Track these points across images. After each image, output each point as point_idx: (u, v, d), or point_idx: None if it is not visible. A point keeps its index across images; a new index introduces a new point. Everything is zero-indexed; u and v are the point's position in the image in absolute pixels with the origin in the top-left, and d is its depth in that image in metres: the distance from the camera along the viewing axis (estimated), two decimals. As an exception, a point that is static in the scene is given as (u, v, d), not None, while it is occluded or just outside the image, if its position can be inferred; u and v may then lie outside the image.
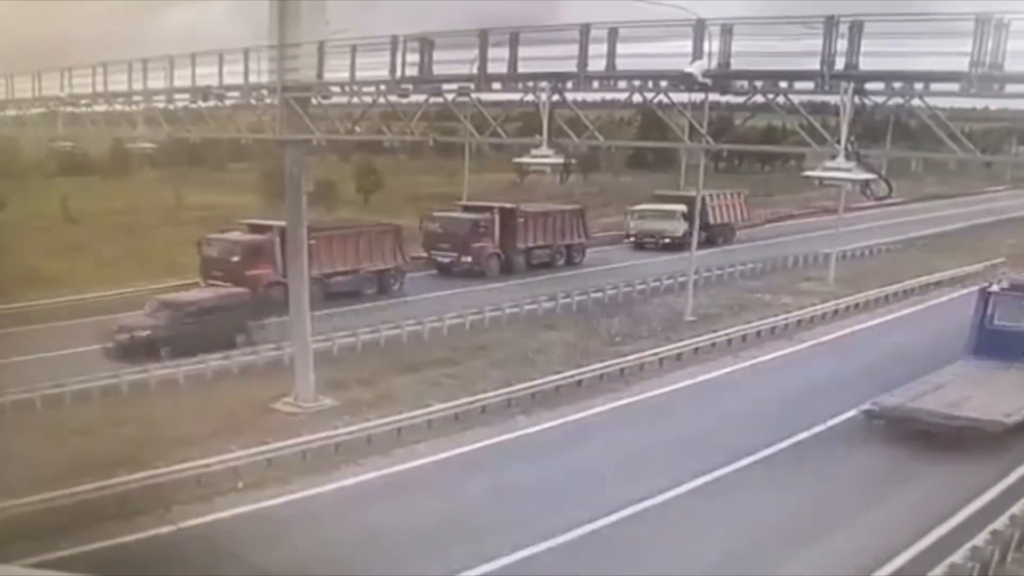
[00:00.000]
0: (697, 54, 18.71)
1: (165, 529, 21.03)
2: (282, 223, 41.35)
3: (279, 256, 40.88)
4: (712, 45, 18.63)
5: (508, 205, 52.69)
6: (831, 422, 27.92)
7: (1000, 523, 20.25)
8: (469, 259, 49.58)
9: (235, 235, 43.17)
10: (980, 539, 19.39)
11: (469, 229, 50.14)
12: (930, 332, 37.70)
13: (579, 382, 31.45)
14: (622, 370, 32.83)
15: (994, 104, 44.43)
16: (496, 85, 22.43)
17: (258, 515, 22.05)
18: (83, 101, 33.94)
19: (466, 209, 52.85)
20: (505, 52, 21.22)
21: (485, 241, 50.44)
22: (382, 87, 24.44)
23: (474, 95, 23.06)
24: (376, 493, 23.67)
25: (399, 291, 45.50)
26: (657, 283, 46.33)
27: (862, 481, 24.31)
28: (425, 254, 50.27)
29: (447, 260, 49.97)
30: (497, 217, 51.25)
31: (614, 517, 21.75)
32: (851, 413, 27.90)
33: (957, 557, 18.63)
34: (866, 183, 19.14)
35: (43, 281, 42.17)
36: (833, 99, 18.44)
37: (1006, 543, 19.49)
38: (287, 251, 40.30)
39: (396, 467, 25.05)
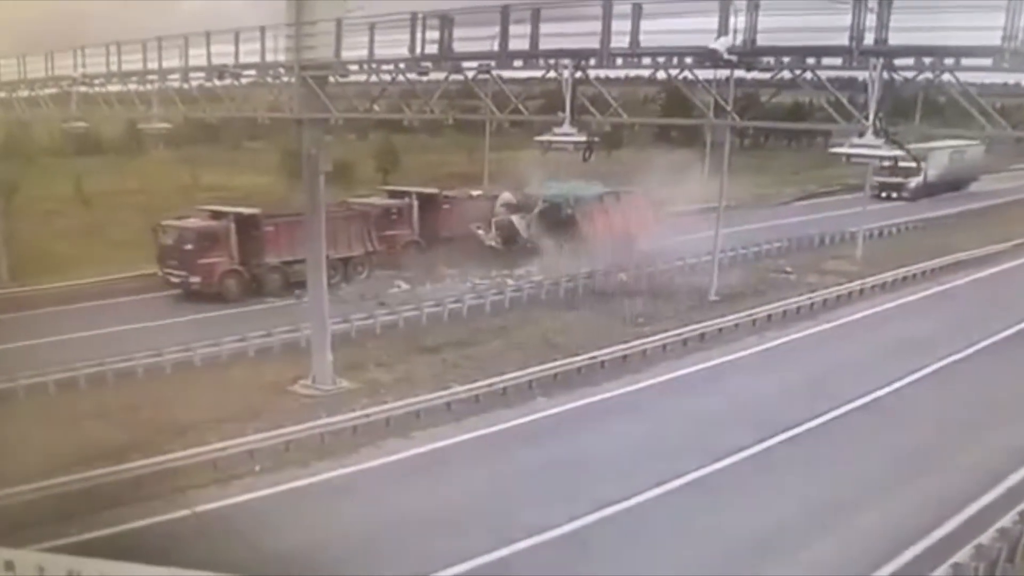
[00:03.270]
0: (722, 30, 18.71)
1: (180, 513, 21.24)
2: (239, 209, 42.29)
3: (235, 244, 41.04)
4: (738, 21, 18.63)
5: (429, 191, 50.29)
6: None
7: (1008, 520, 20.21)
8: (382, 248, 46.39)
9: (190, 222, 42.31)
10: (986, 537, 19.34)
11: (381, 216, 47.42)
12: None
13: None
14: (644, 351, 33.04)
15: (1027, 79, 44.14)
16: (517, 62, 22.40)
17: (275, 499, 22.26)
18: (97, 81, 34.13)
19: (390, 195, 50.39)
20: (527, 29, 21.21)
21: (401, 229, 47.66)
22: (401, 65, 24.53)
23: (495, 72, 23.10)
24: (394, 476, 23.85)
25: (366, 280, 43.99)
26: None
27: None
28: None
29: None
30: (416, 203, 48.63)
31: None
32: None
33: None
34: (894, 160, 19.15)
35: (54, 264, 42.64)
36: (862, 75, 18.42)
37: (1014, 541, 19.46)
38: (249, 238, 41.25)
39: (416, 449, 25.31)
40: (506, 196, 49.91)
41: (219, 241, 41.19)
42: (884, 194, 67.38)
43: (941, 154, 70.55)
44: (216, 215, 42.62)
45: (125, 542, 19.38)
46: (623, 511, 21.55)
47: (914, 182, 68.19)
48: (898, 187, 67.89)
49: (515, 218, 48.71)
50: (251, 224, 41.80)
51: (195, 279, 40.42)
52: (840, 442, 25.90)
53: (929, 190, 69.46)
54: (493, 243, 47.87)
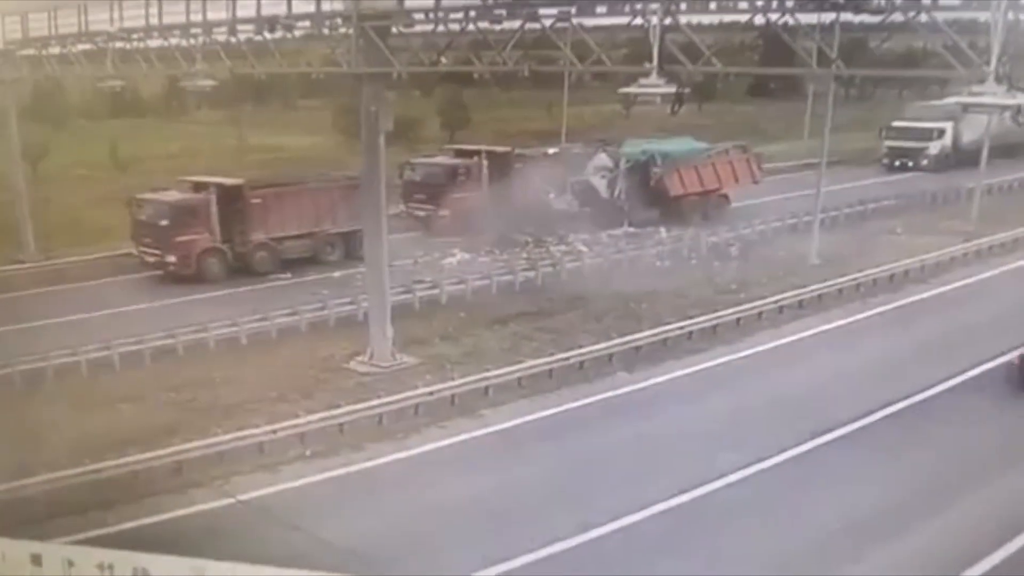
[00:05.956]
0: (828, -32, 18.83)
1: (223, 502, 21.47)
2: (223, 180, 41.60)
3: (215, 219, 40.46)
4: (845, -42, 18.73)
5: (500, 149, 50.18)
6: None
7: None
8: (447, 212, 46.80)
9: (166, 195, 41.48)
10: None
11: (448, 177, 47.92)
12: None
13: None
14: (737, 320, 33.12)
15: None
16: (600, 8, 22.67)
17: (327, 485, 22.40)
18: (135, 36, 34.84)
19: (457, 154, 50.80)
20: (611, -29, 21.46)
21: (469, 191, 47.45)
22: (472, 13, 24.93)
23: (575, 20, 23.28)
24: (460, 459, 24.01)
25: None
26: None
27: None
28: (403, 207, 47.61)
29: (423, 214, 47.39)
30: (485, 163, 48.47)
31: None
32: None
33: None
34: (1018, 108, 19.12)
35: (84, 233, 43.99)
36: (983, 16, 18.44)
37: None
38: (233, 211, 40.67)
39: (484, 429, 25.47)
40: (602, 158, 50.14)
41: (198, 216, 40.33)
42: (897, 162, 62.62)
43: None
44: (197, 187, 41.91)
45: (162, 532, 19.68)
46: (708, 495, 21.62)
47: (936, 147, 61.53)
48: (915, 154, 61.83)
49: (595, 179, 48.95)
50: (235, 196, 41.13)
51: (171, 258, 39.69)
52: (956, 421, 25.64)
53: (960, 158, 59.07)
54: (566, 206, 48.10)
